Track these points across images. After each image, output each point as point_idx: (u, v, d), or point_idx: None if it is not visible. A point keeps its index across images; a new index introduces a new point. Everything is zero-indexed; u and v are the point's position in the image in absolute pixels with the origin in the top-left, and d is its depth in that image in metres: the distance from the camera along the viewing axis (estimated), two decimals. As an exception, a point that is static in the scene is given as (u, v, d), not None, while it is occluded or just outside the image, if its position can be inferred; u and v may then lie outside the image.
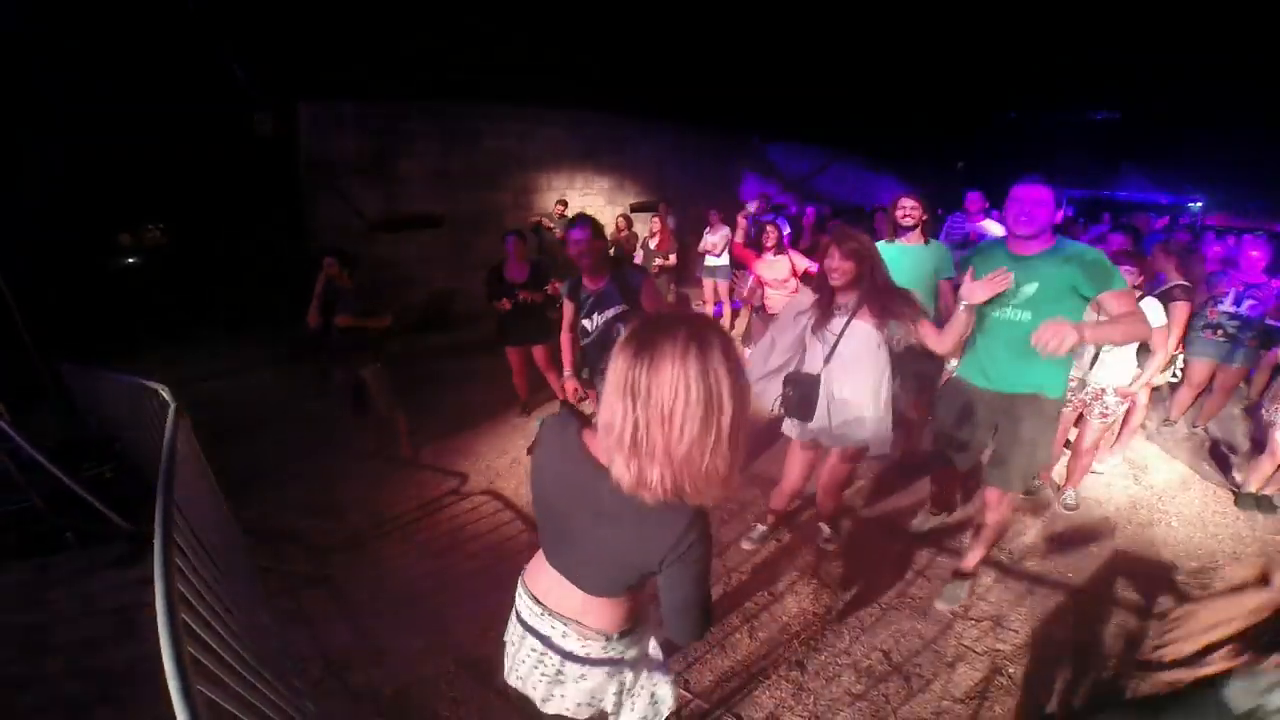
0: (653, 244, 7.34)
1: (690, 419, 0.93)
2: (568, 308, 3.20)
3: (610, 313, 2.98)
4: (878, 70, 8.80)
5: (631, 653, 1.36)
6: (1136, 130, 12.95)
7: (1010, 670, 2.38)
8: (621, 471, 1.00)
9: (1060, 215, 9.70)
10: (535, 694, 1.39)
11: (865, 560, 3.05)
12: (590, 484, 1.10)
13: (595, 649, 1.30)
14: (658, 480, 0.97)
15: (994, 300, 2.32)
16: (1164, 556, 3.10)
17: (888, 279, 2.49)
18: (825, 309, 2.54)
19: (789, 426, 2.77)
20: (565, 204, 8.04)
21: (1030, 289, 2.31)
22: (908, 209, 3.40)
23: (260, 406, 5.29)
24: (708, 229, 7.08)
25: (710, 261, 7.01)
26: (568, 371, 3.31)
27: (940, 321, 3.08)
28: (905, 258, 3.40)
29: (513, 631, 1.42)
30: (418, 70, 6.84)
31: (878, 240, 2.84)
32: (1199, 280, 4.43)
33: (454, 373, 6.03)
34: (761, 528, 3.16)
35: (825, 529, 3.14)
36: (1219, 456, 4.18)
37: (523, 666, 1.38)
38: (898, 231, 3.47)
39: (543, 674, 1.35)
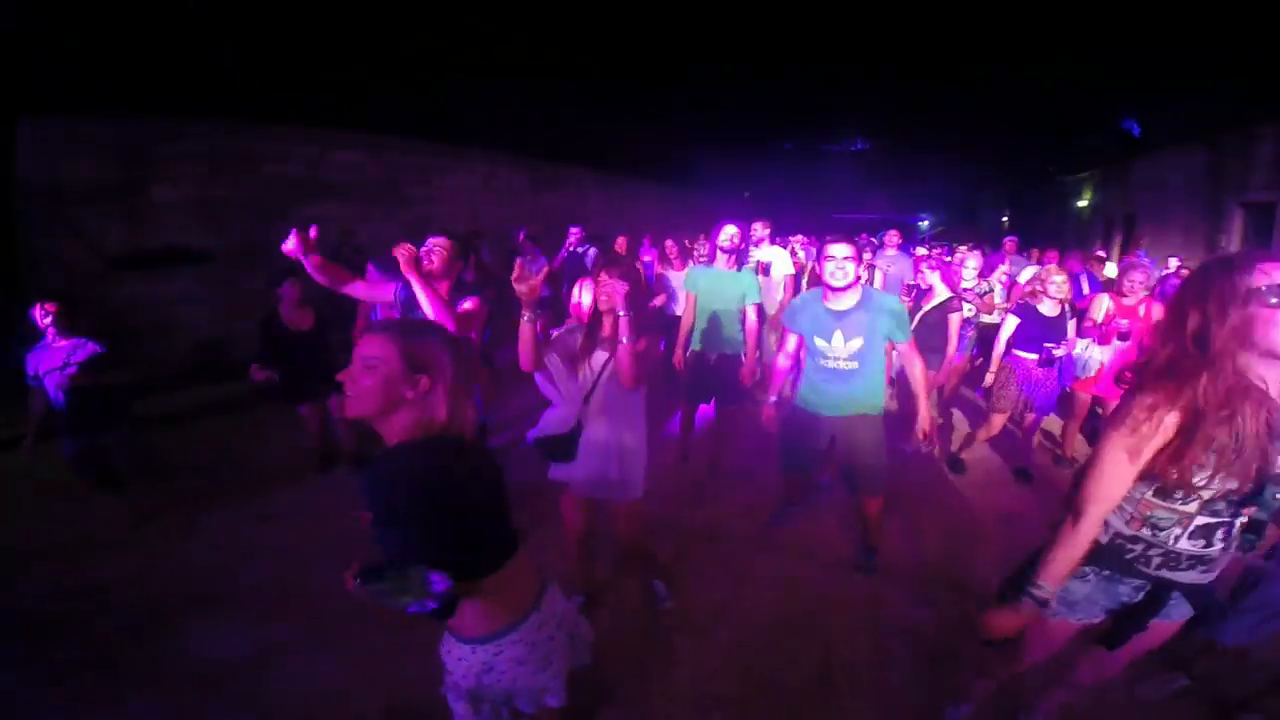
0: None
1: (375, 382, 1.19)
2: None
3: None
4: (674, 103, 9.43)
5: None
6: (883, 159, 15.56)
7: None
8: None
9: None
10: None
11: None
12: None
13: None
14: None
15: (820, 356, 2.75)
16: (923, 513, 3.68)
17: (644, 315, 2.40)
18: (589, 340, 2.37)
19: (554, 470, 2.43)
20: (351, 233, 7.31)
21: (855, 344, 2.68)
22: (731, 235, 3.79)
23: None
24: (519, 261, 6.97)
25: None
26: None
27: (747, 341, 3.70)
28: (720, 281, 3.82)
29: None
30: (177, 85, 5.93)
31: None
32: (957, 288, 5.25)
33: (232, 430, 5.20)
34: (578, 599, 2.75)
35: (660, 587, 2.89)
36: (945, 431, 5.01)
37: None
38: (714, 256, 3.89)
39: None
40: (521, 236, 6.95)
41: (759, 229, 5.43)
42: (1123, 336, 3.76)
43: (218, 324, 6.89)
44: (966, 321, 4.99)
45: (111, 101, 5.82)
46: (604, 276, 2.27)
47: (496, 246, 8.25)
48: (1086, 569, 1.44)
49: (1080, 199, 15.91)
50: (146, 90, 5.85)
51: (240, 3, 5.36)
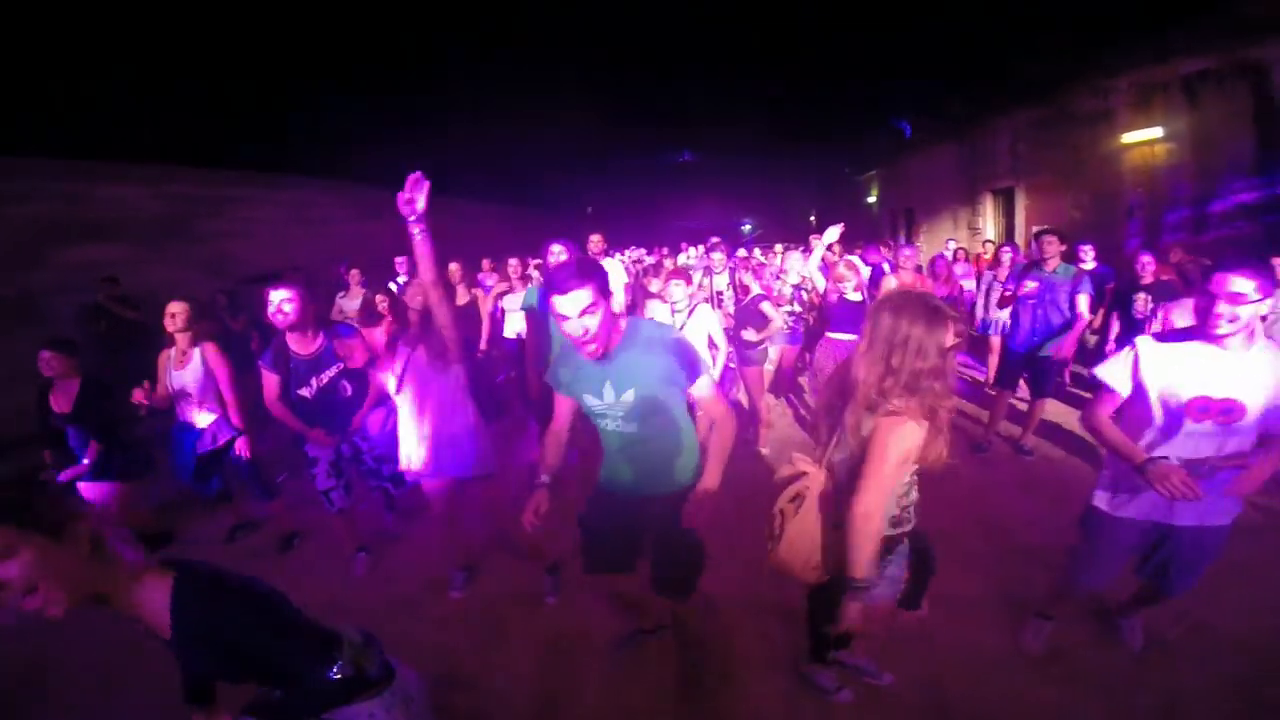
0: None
1: None
2: (271, 380, 2.99)
3: (330, 373, 3.06)
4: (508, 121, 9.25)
5: None
6: (707, 170, 16.71)
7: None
8: None
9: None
10: None
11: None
12: None
13: None
14: None
15: (598, 418, 1.98)
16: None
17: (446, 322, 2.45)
18: (392, 340, 2.68)
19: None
20: (116, 281, 6.24)
21: (628, 396, 1.88)
22: (555, 253, 3.79)
23: None
24: (341, 294, 6.41)
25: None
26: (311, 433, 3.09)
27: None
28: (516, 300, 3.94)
29: None
30: None
31: None
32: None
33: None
34: (459, 575, 3.12)
35: (548, 582, 2.99)
36: (803, 422, 5.42)
37: None
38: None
39: None
40: (351, 274, 6.44)
41: (596, 241, 5.54)
42: None
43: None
44: (795, 316, 5.42)
45: None
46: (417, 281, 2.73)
47: (313, 282, 7.53)
48: (890, 556, 1.78)
49: (870, 195, 18.12)
50: None
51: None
